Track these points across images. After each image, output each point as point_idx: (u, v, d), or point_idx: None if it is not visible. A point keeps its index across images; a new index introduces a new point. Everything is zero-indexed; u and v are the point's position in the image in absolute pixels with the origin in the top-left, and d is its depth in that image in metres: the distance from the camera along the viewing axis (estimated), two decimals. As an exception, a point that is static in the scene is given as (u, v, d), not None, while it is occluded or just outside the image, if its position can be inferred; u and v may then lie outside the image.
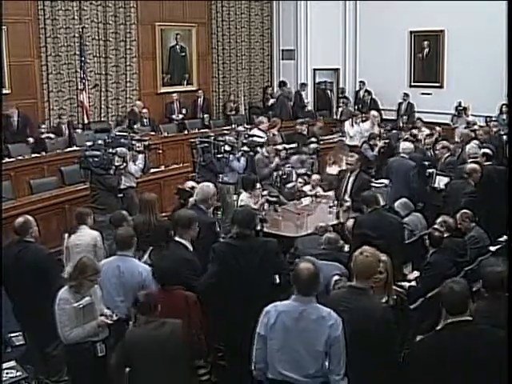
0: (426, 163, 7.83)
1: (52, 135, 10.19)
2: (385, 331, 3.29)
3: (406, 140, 8.92)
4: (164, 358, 3.55)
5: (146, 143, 7.70)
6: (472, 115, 11.51)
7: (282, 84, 13.81)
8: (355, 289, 3.41)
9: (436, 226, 5.40)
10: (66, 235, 5.51)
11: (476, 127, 9.97)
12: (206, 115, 12.49)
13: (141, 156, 7.46)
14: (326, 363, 3.24)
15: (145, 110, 11.44)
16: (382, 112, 12.96)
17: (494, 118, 10.83)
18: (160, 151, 10.43)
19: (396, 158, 7.95)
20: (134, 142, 7.40)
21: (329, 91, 14.52)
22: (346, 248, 5.36)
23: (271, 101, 13.67)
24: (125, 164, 7.18)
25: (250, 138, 8.78)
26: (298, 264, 3.35)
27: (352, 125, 11.12)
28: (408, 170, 7.47)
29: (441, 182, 7.42)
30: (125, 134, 7.72)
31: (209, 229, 4.88)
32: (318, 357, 3.23)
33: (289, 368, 3.27)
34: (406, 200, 6.52)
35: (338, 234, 5.40)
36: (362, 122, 11.28)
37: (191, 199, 5.55)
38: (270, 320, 3.30)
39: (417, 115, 12.40)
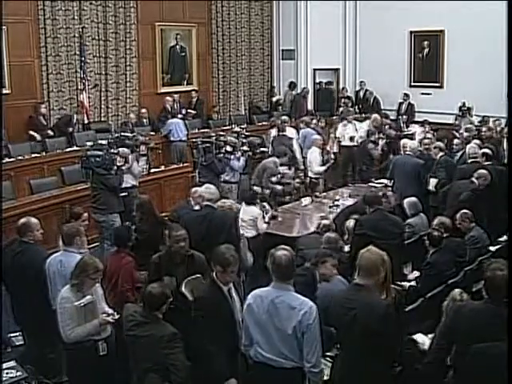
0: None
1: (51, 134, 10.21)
2: (387, 327, 3.30)
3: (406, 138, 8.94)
4: None
5: (150, 145, 8.02)
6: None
7: (292, 85, 13.78)
8: (358, 286, 3.42)
9: (434, 227, 5.40)
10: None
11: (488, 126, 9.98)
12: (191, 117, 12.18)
13: (144, 158, 7.59)
14: (300, 350, 3.38)
15: (143, 110, 11.47)
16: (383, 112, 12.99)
17: (494, 118, 10.81)
18: (160, 151, 10.51)
19: (401, 156, 7.95)
20: (138, 144, 7.61)
21: (329, 91, 14.50)
22: (346, 248, 5.37)
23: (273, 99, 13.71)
24: (128, 164, 7.23)
25: (249, 138, 8.82)
26: (275, 252, 3.47)
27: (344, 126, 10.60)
28: (415, 166, 7.51)
29: (432, 184, 7.41)
30: (129, 135, 7.85)
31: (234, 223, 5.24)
32: (290, 341, 3.39)
33: (265, 348, 3.46)
34: (415, 200, 6.49)
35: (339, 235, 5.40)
36: (364, 120, 11.20)
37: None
38: (248, 302, 3.52)
39: (417, 115, 12.41)
